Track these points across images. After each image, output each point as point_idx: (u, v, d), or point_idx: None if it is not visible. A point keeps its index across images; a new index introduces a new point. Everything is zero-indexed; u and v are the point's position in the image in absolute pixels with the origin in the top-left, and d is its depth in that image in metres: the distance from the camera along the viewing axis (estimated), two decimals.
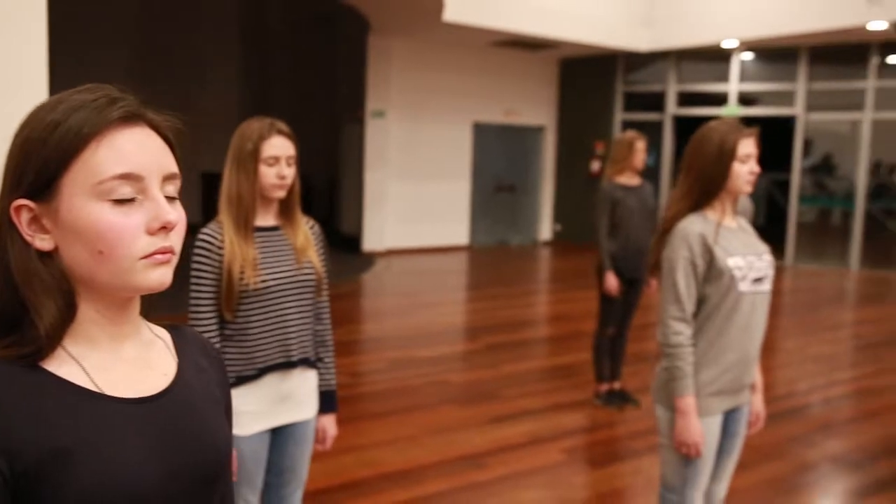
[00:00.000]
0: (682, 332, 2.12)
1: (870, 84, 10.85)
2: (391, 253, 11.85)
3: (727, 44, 11.15)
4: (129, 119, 0.86)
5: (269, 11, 15.81)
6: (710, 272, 2.12)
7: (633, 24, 11.69)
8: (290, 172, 2.08)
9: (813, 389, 5.26)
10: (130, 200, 0.84)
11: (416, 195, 12.34)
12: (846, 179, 11.83)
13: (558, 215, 13.70)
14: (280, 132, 2.09)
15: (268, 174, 2.05)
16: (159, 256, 0.85)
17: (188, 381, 0.94)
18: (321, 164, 15.84)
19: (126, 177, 0.83)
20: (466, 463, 3.82)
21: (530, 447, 4.05)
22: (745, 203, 5.19)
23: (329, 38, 15.01)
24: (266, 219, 2.12)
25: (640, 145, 4.62)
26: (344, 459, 3.80)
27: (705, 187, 2.15)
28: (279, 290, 2.06)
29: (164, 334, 0.98)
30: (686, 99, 12.29)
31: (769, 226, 14.46)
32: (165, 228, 0.85)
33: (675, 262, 2.13)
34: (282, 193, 2.08)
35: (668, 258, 2.15)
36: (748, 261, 2.14)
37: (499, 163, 13.32)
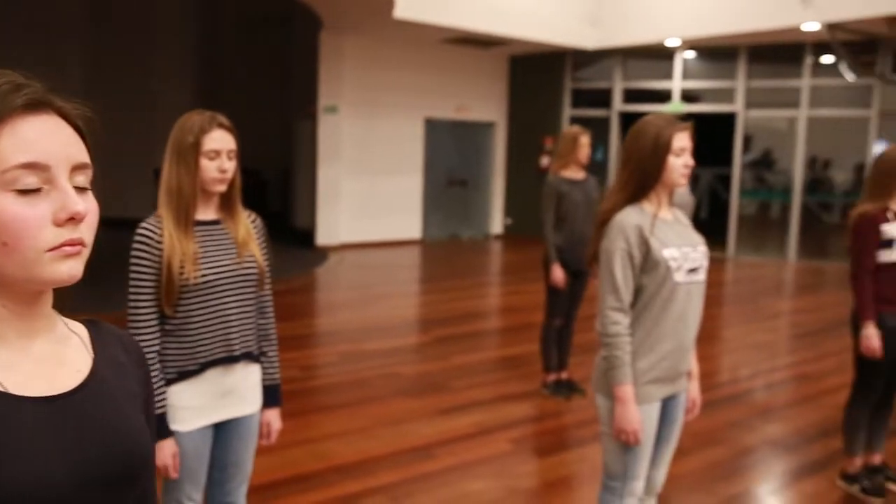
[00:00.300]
0: (619, 321, 2.23)
1: (805, 83, 11.24)
2: (345, 247, 11.87)
3: (670, 42, 11.42)
4: (35, 106, 0.83)
5: (224, 9, 15.66)
6: (647, 263, 2.23)
7: (581, 22, 11.89)
8: (230, 166, 2.10)
9: (753, 376, 5.47)
10: (36, 191, 0.81)
11: (370, 190, 12.37)
12: (784, 174, 12.22)
13: (509, 209, 13.86)
14: (221, 126, 2.11)
15: (208, 168, 2.07)
16: (68, 248, 0.82)
17: (103, 377, 0.91)
18: (275, 159, 15.77)
19: (30, 166, 0.80)
20: (417, 454, 3.90)
21: (479, 437, 4.15)
22: (686, 197, 5.37)
23: (283, 36, 14.96)
24: (206, 213, 2.14)
25: (585, 140, 4.74)
26: (294, 452, 3.84)
27: (641, 180, 2.26)
28: (220, 285, 2.09)
29: (81, 330, 0.96)
30: (632, 96, 12.55)
31: (712, 219, 14.86)
32: (74, 220, 0.82)
33: (612, 253, 2.24)
34: (222, 187, 2.11)
35: (606, 249, 2.26)
36: (683, 252, 2.25)
37: (451, 158, 13.43)
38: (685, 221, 2.41)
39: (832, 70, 11.13)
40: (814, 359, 5.94)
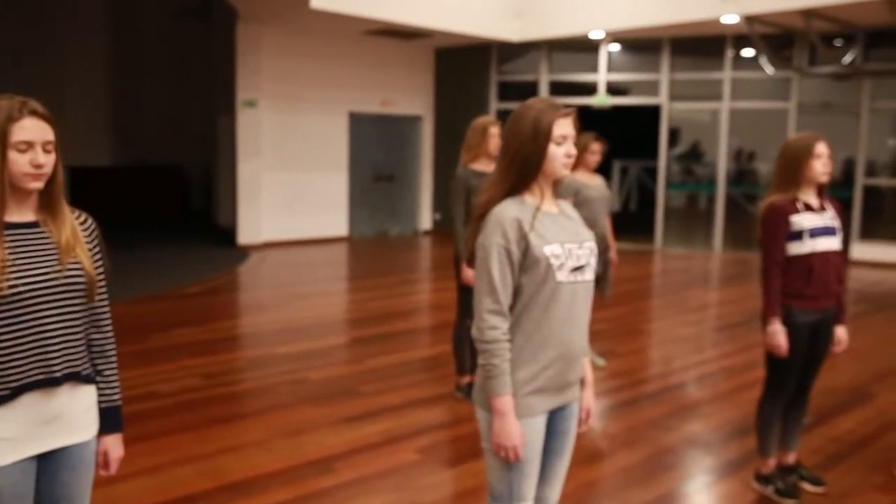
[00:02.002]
0: (497, 325, 2.01)
1: (726, 75, 11.33)
2: (268, 246, 11.48)
3: (594, 35, 11.37)
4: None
5: (139, 2, 15.02)
6: (526, 260, 2.01)
7: (505, 14, 11.74)
8: (47, 160, 1.81)
9: (675, 371, 5.37)
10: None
11: (293, 187, 12.00)
12: (711, 166, 12.32)
13: (437, 204, 13.65)
14: (34, 113, 1.82)
15: (18, 162, 1.78)
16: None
17: None
18: (197, 155, 15.23)
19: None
20: (316, 468, 3.64)
21: (385, 447, 3.91)
22: (603, 190, 5.23)
23: (203, 27, 14.41)
24: (22, 213, 1.85)
25: (494, 130, 4.59)
26: (181, 471, 3.54)
27: (521, 170, 2.05)
28: (34, 296, 1.80)
29: None
30: (558, 88, 12.47)
31: (641, 212, 14.95)
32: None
33: (489, 249, 2.02)
34: (38, 184, 1.82)
35: (483, 246, 2.04)
36: (566, 249, 2.05)
37: (377, 153, 13.13)
38: (573, 215, 2.20)
39: (753, 63, 11.25)
40: (735, 352, 5.89)
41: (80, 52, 14.50)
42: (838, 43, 10.67)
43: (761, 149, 12.83)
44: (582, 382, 2.25)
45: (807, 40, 10.50)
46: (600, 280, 5.15)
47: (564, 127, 2.06)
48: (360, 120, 12.71)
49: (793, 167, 3.23)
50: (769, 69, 10.99)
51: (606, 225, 5.25)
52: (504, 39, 11.90)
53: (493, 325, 2.02)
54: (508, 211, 2.03)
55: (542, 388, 2.07)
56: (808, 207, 3.23)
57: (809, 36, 9.87)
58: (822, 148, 3.20)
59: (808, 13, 9.28)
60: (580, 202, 5.07)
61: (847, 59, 10.37)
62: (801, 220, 3.20)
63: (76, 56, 14.44)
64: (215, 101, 13.45)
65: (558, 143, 2.05)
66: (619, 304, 7.42)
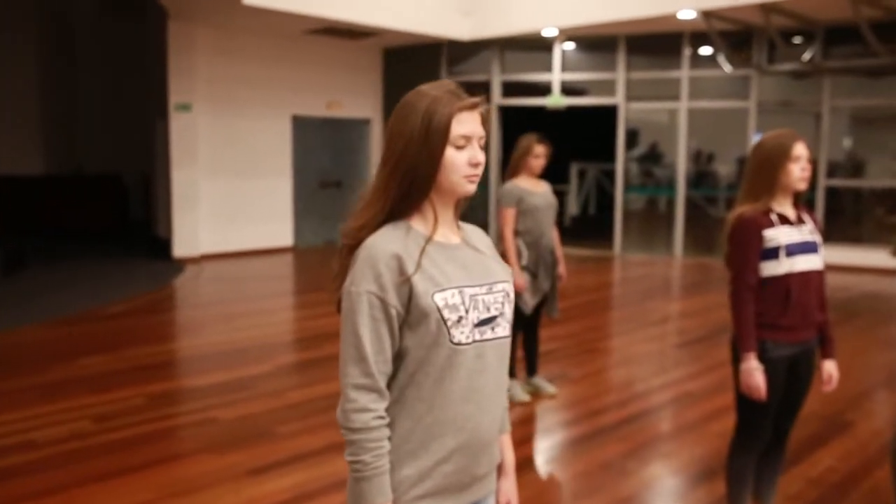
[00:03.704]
0: (368, 407, 1.43)
1: (684, 74, 10.92)
2: (206, 258, 10.77)
3: (547, 32, 10.89)
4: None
5: (69, 5, 14.20)
6: (410, 315, 1.44)
7: (454, 12, 11.20)
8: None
9: (632, 399, 4.84)
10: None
11: (232, 195, 11.30)
12: (671, 168, 11.93)
13: None
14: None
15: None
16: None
17: None
18: (136, 162, 14.42)
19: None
20: None
21: None
22: (549, 197, 4.68)
23: (136, 26, 13.62)
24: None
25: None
26: None
27: (406, 183, 1.48)
28: None
29: None
30: (511, 89, 11.97)
31: (599, 216, 14.52)
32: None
33: (356, 299, 1.44)
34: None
35: (348, 294, 1.46)
36: (468, 296, 1.47)
37: (323, 158, 12.48)
38: (482, 246, 1.62)
39: (711, 61, 10.87)
40: (699, 372, 5.38)
41: (8, 53, 13.62)
42: (798, 40, 10.33)
43: (721, 150, 12.49)
44: (498, 470, 1.67)
45: (766, 37, 10.14)
46: (548, 299, 4.65)
47: (468, 123, 1.48)
48: (304, 123, 12.06)
49: (766, 171, 2.70)
50: (727, 67, 10.61)
51: (554, 236, 4.71)
52: (454, 38, 11.36)
53: (362, 405, 1.43)
54: (385, 244, 1.45)
55: (437, 489, 1.48)
56: (784, 220, 2.71)
57: (769, 32, 9.48)
58: (800, 149, 2.68)
59: (767, 8, 8.89)
60: (524, 211, 4.54)
61: (807, 56, 10.02)
62: (777, 235, 2.67)
63: (3, 57, 13.55)
64: (152, 106, 12.69)
65: (459, 147, 1.47)
66: (574, 318, 6.89)
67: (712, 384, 5.07)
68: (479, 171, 1.51)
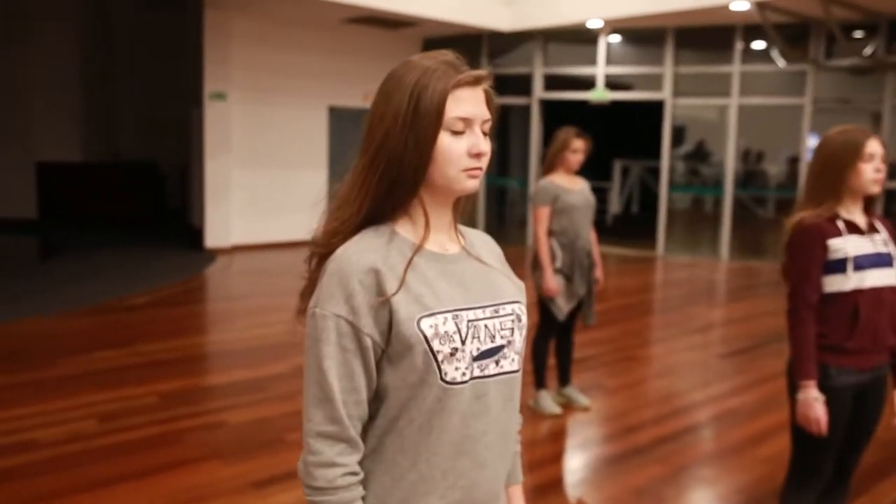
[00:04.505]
0: (335, 461, 1.14)
1: (735, 69, 10.43)
2: (237, 249, 10.63)
3: (592, 24, 10.47)
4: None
5: None
6: (391, 346, 1.15)
7: (495, 1, 10.85)
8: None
9: (672, 415, 4.48)
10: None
11: (266, 186, 11.13)
12: (718, 167, 11.44)
13: None
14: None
15: None
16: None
17: None
18: (173, 150, 14.38)
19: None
20: None
21: None
22: (587, 195, 4.34)
23: (176, 15, 13.54)
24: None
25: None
26: None
27: (388, 178, 1.18)
28: None
29: None
30: (553, 82, 11.58)
31: (643, 215, 14.07)
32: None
33: (321, 325, 1.16)
34: None
35: (312, 316, 1.17)
36: (466, 321, 1.17)
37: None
38: (487, 255, 1.32)
39: (764, 56, 10.36)
40: (744, 387, 4.99)
41: (49, 42, 13.65)
42: (858, 34, 9.76)
43: (771, 149, 11.95)
44: None
45: (824, 30, 9.60)
46: (583, 305, 4.33)
47: (469, 102, 1.18)
48: (341, 115, 11.83)
49: (833, 172, 2.35)
50: (781, 62, 10.10)
51: (591, 237, 4.37)
52: (495, 28, 11.01)
53: (327, 459, 1.14)
54: (360, 254, 1.16)
55: None
56: (853, 228, 2.35)
57: (828, 24, 8.96)
58: (874, 146, 2.32)
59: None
60: (559, 210, 4.21)
61: (868, 50, 9.46)
62: (844, 246, 2.32)
63: (44, 46, 13.60)
64: (188, 94, 12.60)
65: (456, 132, 1.17)
66: (611, 322, 6.54)
67: (759, 401, 4.69)
68: (483, 163, 1.20)
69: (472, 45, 11.79)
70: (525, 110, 11.76)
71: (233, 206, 10.82)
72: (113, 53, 14.59)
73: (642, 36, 11.06)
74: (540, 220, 4.24)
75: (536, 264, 4.29)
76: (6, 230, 12.06)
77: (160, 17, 14.32)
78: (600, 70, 11.17)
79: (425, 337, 1.13)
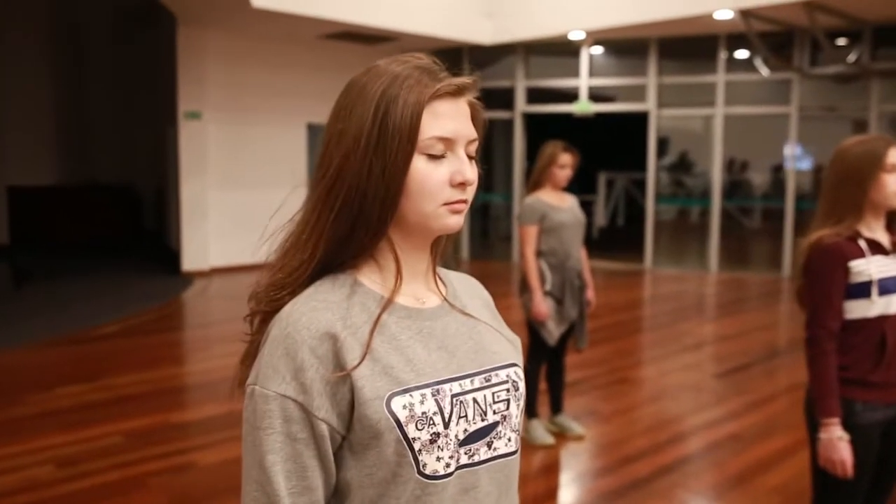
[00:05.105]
0: None
1: (720, 78, 10.29)
2: (216, 272, 10.31)
3: (574, 36, 10.32)
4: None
5: (80, 10, 13.90)
6: (353, 432, 0.90)
7: (476, 14, 10.67)
8: None
9: (669, 443, 4.24)
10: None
11: (244, 206, 10.82)
12: (703, 177, 11.30)
13: None
14: None
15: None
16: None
17: None
18: (149, 172, 14.07)
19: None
20: None
21: None
22: (576, 213, 4.11)
23: (148, 34, 13.28)
24: None
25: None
26: None
27: (349, 214, 0.94)
28: None
29: None
30: (536, 95, 11.41)
31: (629, 227, 13.89)
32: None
33: (261, 407, 0.91)
34: None
35: (251, 395, 0.93)
36: (450, 396, 0.92)
37: None
38: (476, 306, 1.07)
39: (748, 65, 10.23)
40: (742, 410, 4.76)
41: (20, 63, 13.34)
42: (842, 41, 9.66)
43: (754, 158, 11.81)
44: None
45: (808, 38, 9.49)
46: (575, 328, 4.09)
47: (450, 118, 0.94)
48: (320, 132, 11.49)
49: (852, 186, 2.12)
50: (765, 71, 9.98)
51: (582, 257, 4.14)
52: (475, 42, 10.83)
53: None
54: (312, 315, 0.91)
55: None
56: (877, 247, 2.13)
57: (812, 32, 8.84)
58: None
59: (812, 6, 8.25)
60: (547, 229, 3.98)
61: (852, 58, 9.35)
62: (868, 267, 2.09)
63: (15, 67, 13.27)
64: (163, 114, 12.33)
65: (434, 157, 0.93)
66: (602, 341, 6.30)
67: (760, 424, 4.46)
68: (469, 194, 0.96)
69: (452, 58, 11.42)
70: (508, 124, 11.58)
71: (210, 228, 10.52)
72: (86, 73, 14.30)
73: (625, 47, 10.92)
74: (527, 240, 4.01)
75: (525, 287, 4.04)
76: None
77: (134, 35, 14.05)
78: (583, 82, 11.01)
79: (398, 421, 0.88)
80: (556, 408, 4.33)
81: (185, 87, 10.10)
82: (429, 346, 0.95)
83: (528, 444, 4.08)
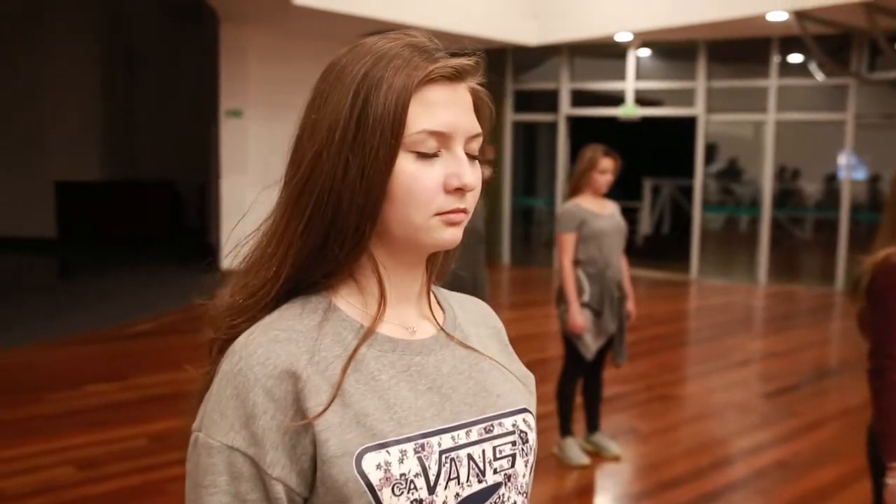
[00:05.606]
0: None
1: (772, 83, 9.92)
2: None
3: (621, 37, 10.06)
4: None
5: (126, 7, 14.08)
6: (316, 495, 0.73)
7: (520, 15, 10.48)
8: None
9: (712, 468, 4.00)
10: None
11: None
12: (752, 185, 10.93)
13: None
14: None
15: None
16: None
17: None
18: (191, 169, 14.16)
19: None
20: None
21: None
22: (617, 220, 3.91)
23: (193, 31, 13.38)
24: None
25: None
26: None
27: (321, 223, 0.77)
28: None
29: None
30: (580, 98, 11.16)
31: (674, 236, 13.53)
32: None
33: (204, 458, 0.76)
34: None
35: (194, 444, 0.78)
36: (438, 452, 0.75)
37: None
38: (480, 337, 0.89)
39: (802, 69, 9.86)
40: (792, 434, 4.49)
41: (68, 60, 13.53)
42: None
43: (807, 166, 11.39)
44: None
45: (867, 41, 9.09)
46: (614, 342, 3.88)
47: (445, 108, 0.77)
48: None
49: None
50: (820, 75, 9.59)
51: (622, 267, 3.92)
52: (520, 43, 10.63)
53: None
54: (270, 347, 0.75)
55: None
56: None
57: (872, 35, 8.45)
58: None
59: (871, 7, 7.88)
60: (586, 237, 3.78)
61: None
62: None
63: (64, 64, 13.48)
64: (206, 111, 12.38)
65: (425, 155, 0.76)
66: (643, 355, 6.05)
67: (812, 451, 4.19)
68: (468, 202, 0.78)
69: (495, 60, 11.42)
70: (552, 127, 11.35)
71: (249, 226, 10.47)
72: (133, 70, 14.45)
73: (673, 49, 10.62)
74: (565, 248, 3.81)
75: (561, 297, 3.85)
76: (25, 249, 11.89)
77: (180, 32, 14.16)
78: (629, 85, 10.73)
79: (369, 484, 0.71)
80: (592, 426, 4.12)
81: (226, 85, 10.11)
82: (416, 387, 0.78)
83: (561, 464, 3.88)
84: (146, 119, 14.66)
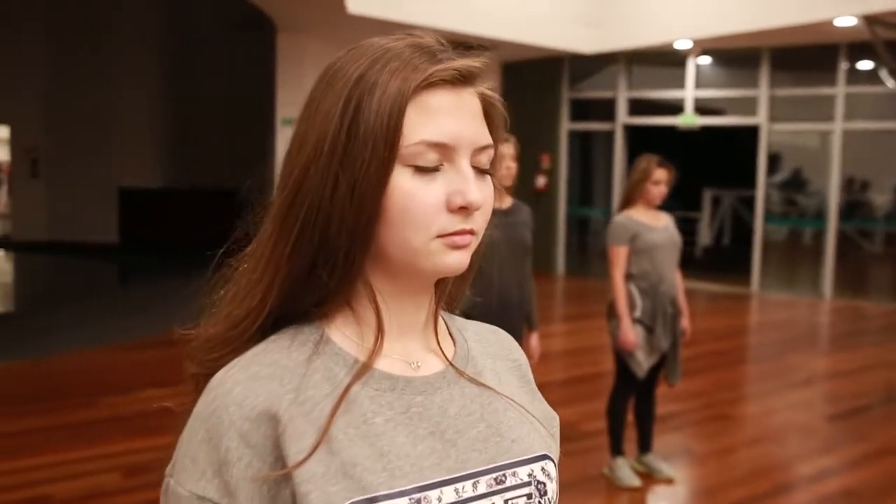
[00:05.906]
0: None
1: (839, 91, 9.55)
2: None
3: (680, 45, 9.82)
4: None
5: (188, 16, 14.43)
6: None
7: (577, 23, 10.33)
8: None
9: (771, 495, 3.81)
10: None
11: None
12: (817, 196, 10.53)
13: None
14: None
15: None
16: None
17: None
18: (248, 177, 14.36)
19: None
20: None
21: None
22: (671, 233, 3.76)
23: (254, 40, 13.61)
24: None
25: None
26: None
27: (310, 244, 0.69)
28: None
29: None
30: (638, 107, 10.95)
31: (735, 248, 13.16)
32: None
33: None
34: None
35: (164, 491, 0.70)
36: (440, 503, 0.66)
37: None
38: (496, 372, 0.79)
39: (872, 76, 9.47)
40: (860, 460, 4.25)
41: (133, 68, 13.93)
42: None
43: (877, 177, 10.93)
44: None
45: None
46: (667, 360, 3.73)
47: (448, 116, 0.69)
48: None
49: None
50: (891, 83, 9.19)
51: (676, 281, 3.77)
52: (576, 51, 10.48)
53: None
54: (248, 386, 0.67)
55: None
56: None
57: None
58: None
59: None
60: (639, 250, 3.64)
61: None
62: None
63: (128, 71, 13.88)
64: (264, 121, 12.57)
65: (424, 170, 0.68)
66: (700, 371, 5.84)
67: (879, 480, 3.95)
68: (477, 222, 0.70)
69: (552, 68, 11.30)
70: (608, 136, 11.16)
71: None
72: (193, 80, 14.76)
73: (735, 57, 10.32)
74: (616, 262, 3.68)
75: (612, 313, 3.72)
76: (89, 254, 12.24)
77: (242, 40, 14.43)
78: (689, 93, 10.47)
79: None
80: (644, 446, 3.96)
81: (282, 93, 10.23)
82: (415, 431, 0.69)
83: (611, 486, 3.74)
84: (206, 127, 14.96)
